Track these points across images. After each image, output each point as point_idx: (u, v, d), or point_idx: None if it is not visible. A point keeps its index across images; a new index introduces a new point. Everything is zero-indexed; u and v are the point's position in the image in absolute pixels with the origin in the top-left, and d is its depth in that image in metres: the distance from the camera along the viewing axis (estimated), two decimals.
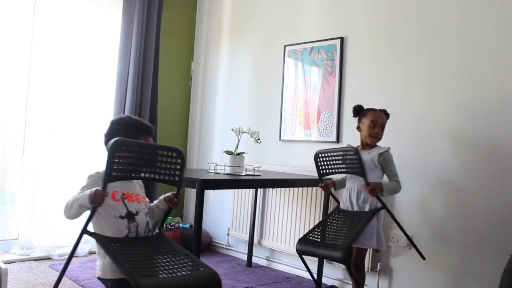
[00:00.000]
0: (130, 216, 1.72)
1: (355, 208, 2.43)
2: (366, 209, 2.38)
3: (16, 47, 3.28)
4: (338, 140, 3.12)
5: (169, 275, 1.56)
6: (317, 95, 3.28)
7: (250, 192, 3.54)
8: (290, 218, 3.27)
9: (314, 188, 3.12)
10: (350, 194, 2.47)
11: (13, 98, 3.29)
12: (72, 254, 1.61)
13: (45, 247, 3.33)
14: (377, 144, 2.48)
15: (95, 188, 1.58)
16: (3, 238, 3.31)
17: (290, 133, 3.45)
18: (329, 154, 2.44)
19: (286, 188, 3.30)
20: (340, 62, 3.13)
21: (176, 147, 1.73)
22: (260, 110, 3.70)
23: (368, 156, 2.42)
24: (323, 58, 3.25)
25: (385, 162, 2.41)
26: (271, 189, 3.42)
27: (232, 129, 2.93)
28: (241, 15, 3.95)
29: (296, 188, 3.23)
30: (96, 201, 1.57)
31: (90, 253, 3.51)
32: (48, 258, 3.28)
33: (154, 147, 1.76)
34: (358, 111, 2.54)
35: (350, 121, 3.09)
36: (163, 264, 1.63)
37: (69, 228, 3.51)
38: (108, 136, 1.80)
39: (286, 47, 3.50)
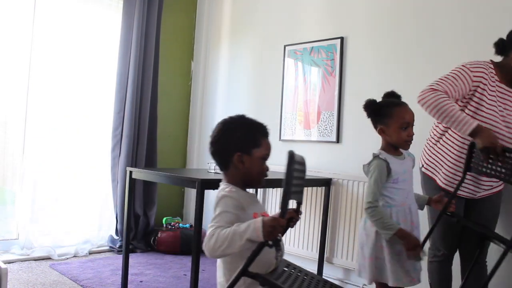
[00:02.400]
0: (277, 243, 1.40)
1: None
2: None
3: (16, 47, 3.28)
4: (338, 140, 3.12)
5: None
6: (317, 95, 3.28)
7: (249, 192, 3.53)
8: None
9: (314, 188, 3.12)
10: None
11: (13, 98, 3.29)
12: None
13: (45, 247, 3.33)
14: None
15: (271, 217, 1.24)
16: (3, 238, 3.31)
17: (290, 133, 3.45)
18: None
19: None
20: (340, 62, 3.13)
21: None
22: (260, 110, 3.69)
23: (408, 164, 1.96)
24: (323, 58, 3.25)
25: None
26: (271, 189, 3.42)
27: None
28: (241, 15, 3.95)
29: None
30: (275, 234, 1.23)
31: (90, 253, 3.51)
32: (48, 258, 3.28)
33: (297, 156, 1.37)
34: (374, 108, 1.90)
35: (350, 121, 3.09)
36: None
37: (69, 228, 3.52)
38: (217, 144, 1.45)
39: (286, 47, 3.50)
